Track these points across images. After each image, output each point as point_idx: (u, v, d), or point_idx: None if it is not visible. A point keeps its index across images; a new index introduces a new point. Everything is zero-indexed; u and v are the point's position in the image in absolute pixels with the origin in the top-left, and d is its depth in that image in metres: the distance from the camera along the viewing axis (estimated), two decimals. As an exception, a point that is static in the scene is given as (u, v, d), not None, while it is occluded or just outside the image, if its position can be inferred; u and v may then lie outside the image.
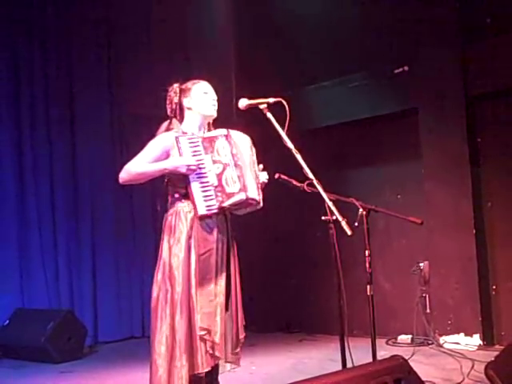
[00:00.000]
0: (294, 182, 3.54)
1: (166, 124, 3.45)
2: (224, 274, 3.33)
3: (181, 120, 3.43)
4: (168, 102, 3.46)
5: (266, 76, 6.97)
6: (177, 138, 3.26)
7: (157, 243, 3.43)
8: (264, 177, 3.45)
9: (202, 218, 3.25)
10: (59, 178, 6.60)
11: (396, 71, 6.10)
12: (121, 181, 3.33)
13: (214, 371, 3.36)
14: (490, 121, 5.71)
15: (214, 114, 3.44)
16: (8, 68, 6.39)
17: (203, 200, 3.22)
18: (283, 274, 7.01)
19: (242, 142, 3.36)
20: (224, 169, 3.24)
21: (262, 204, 3.37)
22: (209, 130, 3.49)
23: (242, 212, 3.40)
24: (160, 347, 3.18)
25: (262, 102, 3.31)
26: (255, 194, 3.29)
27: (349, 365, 3.24)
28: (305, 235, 6.73)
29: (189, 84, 3.47)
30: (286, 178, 3.59)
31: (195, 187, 3.23)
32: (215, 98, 3.44)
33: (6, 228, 6.22)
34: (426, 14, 5.88)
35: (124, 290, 6.88)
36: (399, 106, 6.19)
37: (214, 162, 3.25)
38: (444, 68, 5.79)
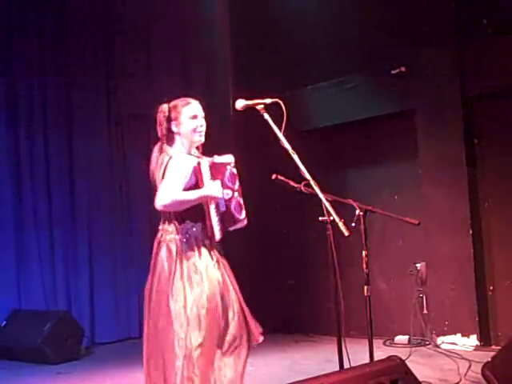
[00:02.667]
0: (291, 183, 3.53)
1: (157, 147, 3.42)
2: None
3: (171, 142, 3.39)
4: (158, 124, 3.42)
5: (263, 77, 6.97)
6: (199, 163, 3.24)
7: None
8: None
9: (217, 242, 3.31)
10: (56, 179, 6.59)
11: (393, 72, 6.11)
12: (162, 207, 3.19)
13: None
14: (487, 122, 5.72)
15: (202, 141, 3.44)
16: (5, 68, 6.37)
17: (217, 225, 3.26)
18: (280, 274, 7.00)
19: None
20: (233, 195, 3.32)
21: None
22: (197, 149, 3.48)
23: None
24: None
25: (259, 103, 3.31)
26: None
27: (346, 365, 3.24)
28: (302, 236, 6.73)
29: (179, 105, 3.39)
30: (283, 178, 3.58)
31: (213, 213, 3.25)
32: (203, 123, 3.39)
33: (3, 229, 6.21)
34: (423, 14, 5.89)
35: (121, 290, 6.88)
36: (396, 107, 6.20)
37: (223, 187, 3.29)
38: (441, 69, 5.80)
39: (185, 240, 3.28)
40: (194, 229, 3.29)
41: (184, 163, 3.28)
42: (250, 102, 3.34)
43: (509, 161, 5.54)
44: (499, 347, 4.86)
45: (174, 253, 3.27)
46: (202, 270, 3.25)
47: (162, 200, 3.18)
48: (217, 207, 3.28)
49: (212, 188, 3.23)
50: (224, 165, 3.35)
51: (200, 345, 3.17)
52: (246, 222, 3.38)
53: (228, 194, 3.31)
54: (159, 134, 3.41)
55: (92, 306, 6.65)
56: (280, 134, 3.20)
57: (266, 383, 4.73)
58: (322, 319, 6.13)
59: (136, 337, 6.81)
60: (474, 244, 5.59)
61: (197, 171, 3.24)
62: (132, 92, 7.03)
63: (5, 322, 5.91)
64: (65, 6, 6.74)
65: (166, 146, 3.38)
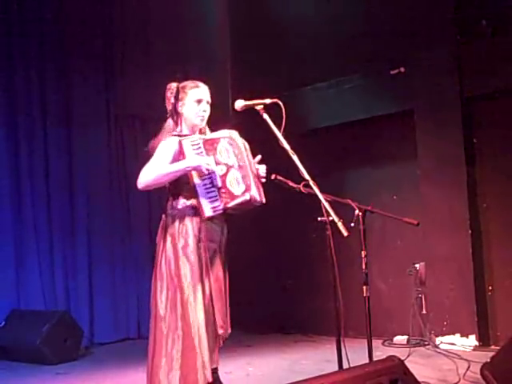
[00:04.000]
0: (291, 183, 3.54)
1: (167, 125, 3.49)
2: (221, 273, 3.42)
3: (177, 120, 3.46)
4: (166, 101, 3.49)
5: (263, 77, 6.98)
6: (180, 141, 3.29)
7: (153, 245, 3.44)
8: (263, 170, 3.47)
9: (208, 219, 3.28)
10: (56, 179, 6.57)
11: (392, 72, 6.11)
12: (142, 186, 3.31)
13: (215, 371, 3.42)
14: (486, 122, 5.72)
15: (202, 125, 3.48)
16: (4, 70, 6.36)
17: (208, 202, 3.25)
18: (279, 275, 7.00)
19: (241, 142, 3.39)
20: (228, 170, 3.29)
21: (264, 200, 3.40)
22: (201, 132, 3.52)
23: (241, 211, 3.44)
24: (175, 347, 3.20)
25: (259, 103, 3.32)
26: (257, 193, 3.32)
27: (345, 365, 3.24)
28: (301, 236, 6.72)
29: (187, 86, 3.47)
30: (282, 178, 3.59)
31: (201, 189, 3.26)
32: (206, 108, 3.46)
33: (2, 229, 6.20)
34: (423, 15, 5.89)
35: (120, 291, 6.87)
36: (395, 107, 6.20)
37: (218, 163, 3.28)
38: (440, 69, 5.80)
39: (172, 215, 3.34)
40: (184, 205, 3.32)
41: (168, 146, 3.35)
42: (250, 103, 3.35)
43: (508, 161, 5.54)
44: (498, 347, 4.87)
45: (165, 228, 3.36)
46: (178, 248, 3.28)
47: (138, 180, 3.31)
48: (210, 183, 3.27)
49: (189, 160, 3.25)
50: (215, 140, 3.34)
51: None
52: (247, 197, 3.26)
53: (222, 169, 3.29)
54: (167, 110, 3.49)
55: (91, 306, 6.64)
56: (279, 135, 3.21)
57: (265, 383, 4.73)
58: (321, 319, 6.13)
59: (135, 337, 6.82)
60: (473, 244, 5.59)
61: (180, 150, 3.27)
62: (132, 92, 7.03)
63: (4, 323, 5.90)
64: (64, 6, 6.73)
65: (170, 121, 3.46)
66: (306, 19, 6.80)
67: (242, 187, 3.27)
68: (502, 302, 5.55)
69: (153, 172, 3.28)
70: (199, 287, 3.24)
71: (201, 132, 3.53)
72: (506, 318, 5.49)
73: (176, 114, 3.46)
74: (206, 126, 3.56)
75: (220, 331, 3.27)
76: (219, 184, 3.27)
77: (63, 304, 6.40)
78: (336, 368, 3.24)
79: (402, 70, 6.06)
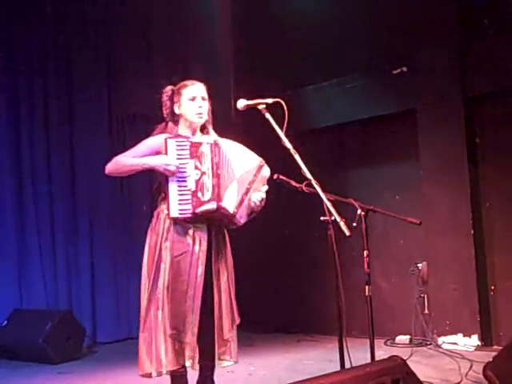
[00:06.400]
0: (293, 183, 3.54)
1: (161, 126, 3.50)
2: (202, 278, 3.34)
3: (176, 123, 3.46)
4: (163, 105, 3.50)
5: (265, 76, 6.98)
6: (166, 139, 3.32)
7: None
8: (256, 197, 3.42)
9: (175, 220, 3.30)
10: (57, 180, 6.58)
11: (394, 72, 6.11)
12: (106, 171, 3.52)
13: (207, 371, 3.41)
14: (489, 121, 5.72)
15: (200, 122, 3.47)
16: (5, 71, 6.37)
17: (178, 203, 3.28)
18: (281, 274, 7.00)
19: (236, 154, 3.38)
20: (201, 176, 3.30)
21: (241, 222, 3.39)
22: (204, 133, 3.51)
23: (231, 225, 3.46)
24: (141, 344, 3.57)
25: (261, 103, 3.32)
26: (231, 207, 3.30)
27: (347, 365, 3.24)
28: (303, 236, 6.73)
29: (181, 87, 3.48)
30: (284, 178, 3.59)
31: (172, 189, 3.30)
32: (201, 104, 3.44)
33: (5, 228, 6.21)
34: (425, 14, 5.89)
35: (122, 290, 6.87)
36: (397, 107, 6.20)
37: (196, 167, 3.29)
38: (442, 69, 5.80)
39: (156, 215, 3.41)
40: (163, 205, 3.36)
41: (149, 142, 3.42)
42: (252, 102, 3.35)
43: (510, 160, 5.53)
44: (500, 347, 4.87)
45: (151, 227, 3.43)
46: (146, 245, 3.41)
47: (108, 165, 3.49)
48: (184, 186, 3.28)
49: (157, 158, 3.30)
50: (199, 144, 3.35)
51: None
52: (214, 205, 3.26)
53: (197, 174, 3.30)
54: (164, 114, 3.50)
55: (94, 305, 6.65)
56: (281, 134, 3.20)
57: (267, 383, 4.73)
58: (324, 319, 6.13)
59: (137, 337, 6.81)
60: (476, 244, 5.58)
61: (165, 148, 3.31)
62: (133, 92, 7.03)
63: (6, 322, 5.91)
64: (65, 5, 6.73)
65: (170, 125, 3.48)
66: (307, 19, 6.80)
67: (209, 195, 3.28)
68: (504, 302, 5.54)
69: (117, 162, 3.45)
70: (154, 287, 3.48)
71: (203, 131, 3.52)
72: (508, 318, 5.48)
73: (174, 117, 3.46)
74: (211, 126, 3.55)
75: (171, 331, 3.40)
76: (193, 188, 3.28)
77: (65, 303, 6.41)
78: (338, 368, 3.24)
79: (405, 69, 6.05)
